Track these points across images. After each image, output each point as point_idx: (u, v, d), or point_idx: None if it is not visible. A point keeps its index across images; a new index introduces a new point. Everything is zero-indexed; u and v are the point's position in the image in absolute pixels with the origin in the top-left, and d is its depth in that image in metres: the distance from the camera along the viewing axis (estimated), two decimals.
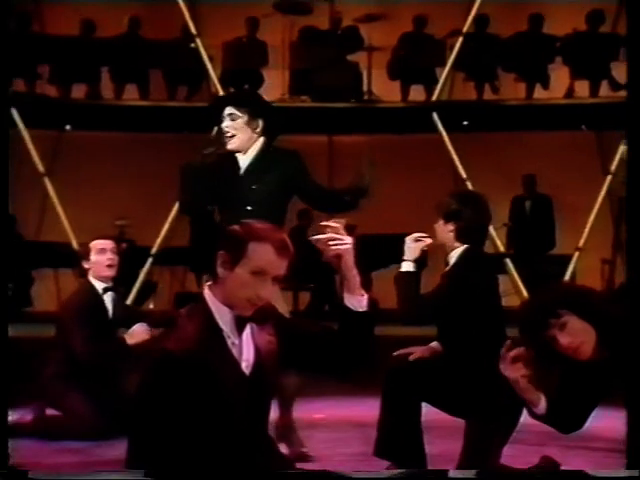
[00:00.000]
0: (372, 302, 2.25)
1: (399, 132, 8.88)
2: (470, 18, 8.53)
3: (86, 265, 4.42)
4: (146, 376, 2.15)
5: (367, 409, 4.37)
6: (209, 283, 2.20)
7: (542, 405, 2.81)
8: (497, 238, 8.17)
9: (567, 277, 7.91)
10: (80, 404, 4.21)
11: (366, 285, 2.31)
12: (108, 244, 4.50)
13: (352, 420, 4.44)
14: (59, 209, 8.31)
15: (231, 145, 3.66)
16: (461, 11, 8.56)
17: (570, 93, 8.64)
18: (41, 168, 8.41)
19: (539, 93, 8.66)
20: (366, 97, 8.73)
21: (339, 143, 9.52)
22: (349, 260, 2.20)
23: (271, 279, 2.14)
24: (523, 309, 3.24)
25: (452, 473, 2.62)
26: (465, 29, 8.54)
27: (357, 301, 2.23)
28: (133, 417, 2.14)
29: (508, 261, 8.21)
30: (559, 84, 8.65)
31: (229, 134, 3.65)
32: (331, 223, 2.24)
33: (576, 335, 2.69)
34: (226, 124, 3.66)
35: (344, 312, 2.24)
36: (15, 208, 8.47)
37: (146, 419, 2.10)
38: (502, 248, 8.31)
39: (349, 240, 2.22)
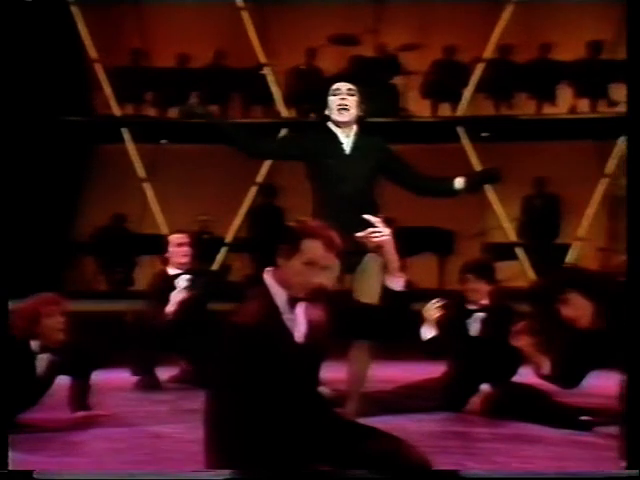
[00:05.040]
0: (408, 283, 2.26)
1: (429, 142, 8.81)
2: (490, 47, 8.41)
3: (167, 255, 4.47)
4: (220, 343, 2.21)
5: (399, 371, 4.35)
6: (269, 268, 2.23)
7: (546, 367, 2.81)
8: (510, 230, 8.13)
9: (567, 261, 7.79)
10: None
11: (403, 268, 2.30)
12: (184, 238, 4.50)
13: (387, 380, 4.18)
14: (155, 207, 8.50)
15: (345, 117, 3.31)
16: (483, 41, 8.44)
17: (573, 109, 8.48)
18: (142, 174, 8.61)
19: (547, 109, 8.51)
20: (402, 113, 8.69)
21: None
22: (389, 248, 2.20)
23: (321, 269, 2.17)
24: (536, 287, 3.22)
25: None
26: (486, 56, 8.43)
27: (396, 282, 2.23)
28: (210, 375, 2.20)
29: (518, 249, 8.13)
30: (564, 101, 8.49)
31: (345, 107, 3.31)
32: (369, 217, 2.24)
33: (576, 309, 2.69)
34: (344, 97, 3.32)
35: (385, 291, 2.25)
36: (123, 207, 8.74)
37: (220, 377, 2.15)
38: (514, 238, 8.23)
39: (387, 231, 2.20)
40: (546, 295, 2.82)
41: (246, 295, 2.23)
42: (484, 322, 3.87)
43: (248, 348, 2.11)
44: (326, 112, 3.37)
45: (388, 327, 2.31)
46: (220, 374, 2.15)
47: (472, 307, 3.90)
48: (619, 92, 8.34)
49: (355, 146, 3.34)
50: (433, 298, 3.56)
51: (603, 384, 3.02)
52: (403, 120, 8.62)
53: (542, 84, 8.45)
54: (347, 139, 3.33)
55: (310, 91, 8.88)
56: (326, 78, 8.75)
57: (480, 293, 3.87)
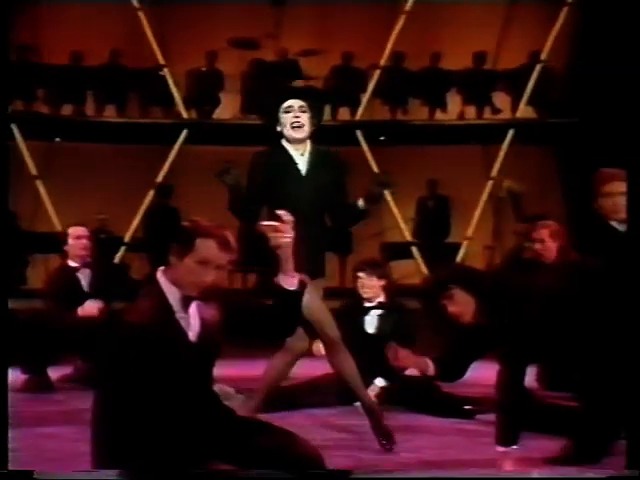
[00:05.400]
0: (301, 282, 2.25)
1: (329, 146, 8.91)
2: (385, 54, 8.62)
3: (65, 248, 4.36)
4: (110, 342, 2.13)
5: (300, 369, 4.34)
6: (162, 268, 2.18)
7: (431, 368, 2.89)
8: (405, 230, 8.37)
9: (458, 260, 8.10)
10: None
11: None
12: (83, 231, 4.41)
13: None
14: (48, 206, 8.17)
15: (300, 134, 3.14)
16: (380, 48, 8.64)
17: (462, 115, 8.83)
18: (34, 172, 8.25)
19: (438, 115, 8.82)
20: None
21: None
22: (287, 250, 2.20)
23: (214, 268, 2.14)
24: (424, 284, 3.31)
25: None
26: (382, 63, 8.63)
27: (289, 281, 2.22)
28: (100, 375, 2.12)
29: (414, 248, 8.39)
30: (453, 108, 8.82)
31: (299, 124, 3.14)
32: (284, 215, 2.23)
33: (460, 305, 2.79)
34: (297, 114, 3.14)
35: (278, 290, 2.24)
36: (14, 205, 8.32)
37: (110, 379, 2.08)
38: (409, 237, 8.48)
39: (290, 235, 2.21)
40: (433, 292, 2.90)
41: (139, 293, 2.18)
42: (379, 318, 3.99)
43: (140, 346, 2.06)
44: (278, 128, 3.22)
45: (279, 325, 2.31)
46: (110, 372, 2.08)
47: (369, 304, 4.01)
48: (500, 100, 8.78)
49: (310, 166, 3.20)
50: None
51: (484, 375, 3.16)
52: None
53: (433, 91, 8.76)
54: (302, 158, 3.19)
55: (210, 93, 8.80)
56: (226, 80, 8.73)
57: (373, 290, 4.00)
